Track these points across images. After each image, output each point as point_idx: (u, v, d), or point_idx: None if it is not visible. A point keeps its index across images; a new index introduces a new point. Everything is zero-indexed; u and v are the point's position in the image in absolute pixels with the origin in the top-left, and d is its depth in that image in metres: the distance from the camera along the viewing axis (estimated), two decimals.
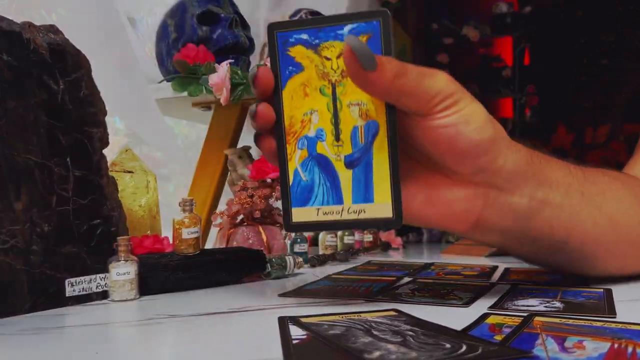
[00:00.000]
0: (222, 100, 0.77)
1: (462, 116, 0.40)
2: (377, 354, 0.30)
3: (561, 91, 2.80)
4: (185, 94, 0.83)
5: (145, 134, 0.96)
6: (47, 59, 0.49)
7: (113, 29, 0.84)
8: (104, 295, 0.51)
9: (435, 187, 0.43)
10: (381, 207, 0.41)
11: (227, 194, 0.95)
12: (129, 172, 0.67)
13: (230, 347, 0.35)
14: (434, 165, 0.43)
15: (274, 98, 0.42)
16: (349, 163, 0.42)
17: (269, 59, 0.42)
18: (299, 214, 0.42)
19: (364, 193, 0.41)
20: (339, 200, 0.42)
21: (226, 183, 0.94)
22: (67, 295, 0.49)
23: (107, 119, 0.55)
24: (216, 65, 0.79)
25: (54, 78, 0.49)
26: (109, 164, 0.55)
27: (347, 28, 0.40)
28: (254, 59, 1.00)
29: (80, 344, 0.37)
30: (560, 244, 0.47)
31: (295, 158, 0.42)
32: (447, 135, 0.40)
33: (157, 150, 1.15)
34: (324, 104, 0.41)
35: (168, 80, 0.87)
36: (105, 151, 0.54)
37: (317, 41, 0.41)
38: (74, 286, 0.49)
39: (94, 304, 0.50)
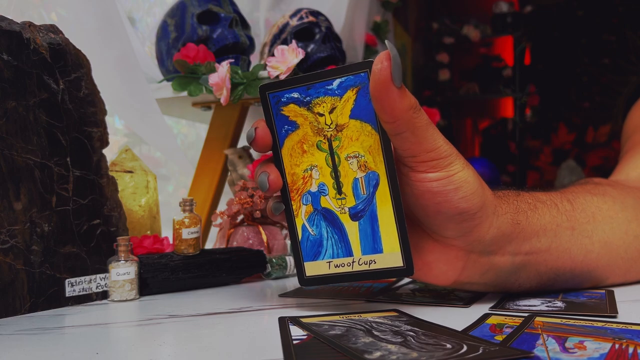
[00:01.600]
0: (222, 100, 0.76)
1: (452, 182, 0.39)
2: (377, 354, 0.30)
3: (562, 91, 2.80)
4: (185, 93, 0.83)
5: (144, 134, 0.96)
6: (47, 59, 0.49)
7: (113, 29, 0.83)
8: (104, 295, 0.51)
9: (418, 249, 0.43)
10: (391, 256, 0.41)
11: (227, 194, 0.95)
12: (129, 172, 0.67)
13: (230, 347, 0.35)
14: (419, 226, 0.43)
15: (274, 158, 0.43)
16: (354, 215, 0.42)
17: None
18: (312, 268, 0.43)
19: (372, 244, 0.41)
20: (348, 252, 0.42)
21: (226, 183, 0.94)
22: (67, 295, 0.49)
23: (107, 118, 0.55)
24: (216, 64, 0.79)
25: (54, 78, 0.49)
26: (108, 164, 0.55)
27: (336, 82, 0.40)
28: (254, 59, 1.00)
29: (80, 344, 0.36)
30: (550, 281, 0.47)
31: (302, 214, 0.43)
32: (434, 200, 0.40)
33: (157, 150, 1.15)
34: (322, 159, 0.42)
35: (168, 80, 0.87)
36: (105, 151, 0.54)
37: (308, 98, 0.41)
38: (74, 286, 0.49)
39: (94, 304, 0.50)
